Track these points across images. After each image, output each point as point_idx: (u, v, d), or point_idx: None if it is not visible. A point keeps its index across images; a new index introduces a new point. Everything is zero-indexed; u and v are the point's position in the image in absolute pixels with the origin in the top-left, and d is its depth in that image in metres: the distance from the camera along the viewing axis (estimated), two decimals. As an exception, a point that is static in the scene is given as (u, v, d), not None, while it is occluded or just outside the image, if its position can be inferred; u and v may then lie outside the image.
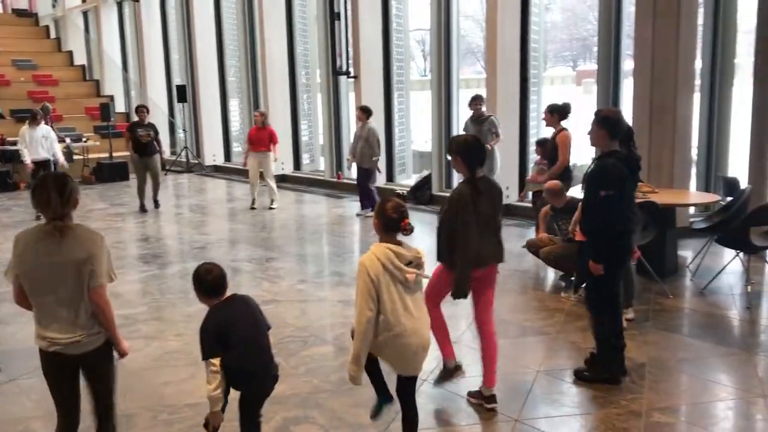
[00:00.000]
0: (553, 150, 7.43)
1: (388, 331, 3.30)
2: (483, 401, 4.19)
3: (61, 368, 3.14)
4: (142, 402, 4.27)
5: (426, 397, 4.32)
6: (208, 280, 3.23)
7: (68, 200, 3.00)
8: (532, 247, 6.79)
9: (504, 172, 9.36)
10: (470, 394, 4.29)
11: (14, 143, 14.66)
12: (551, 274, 6.99)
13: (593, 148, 4.64)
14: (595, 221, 4.29)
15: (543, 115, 7.63)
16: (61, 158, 11.41)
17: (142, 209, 11.22)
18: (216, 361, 3.11)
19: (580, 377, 4.48)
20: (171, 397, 4.37)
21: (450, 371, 4.34)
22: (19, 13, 22.55)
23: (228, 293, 3.32)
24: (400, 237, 3.39)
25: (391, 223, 3.33)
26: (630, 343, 5.00)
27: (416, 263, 3.35)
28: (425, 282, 3.59)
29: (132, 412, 4.12)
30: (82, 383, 3.22)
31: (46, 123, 11.95)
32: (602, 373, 4.43)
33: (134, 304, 6.24)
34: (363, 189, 10.33)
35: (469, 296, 4.10)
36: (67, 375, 3.18)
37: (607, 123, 4.23)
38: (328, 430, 3.94)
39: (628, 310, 5.54)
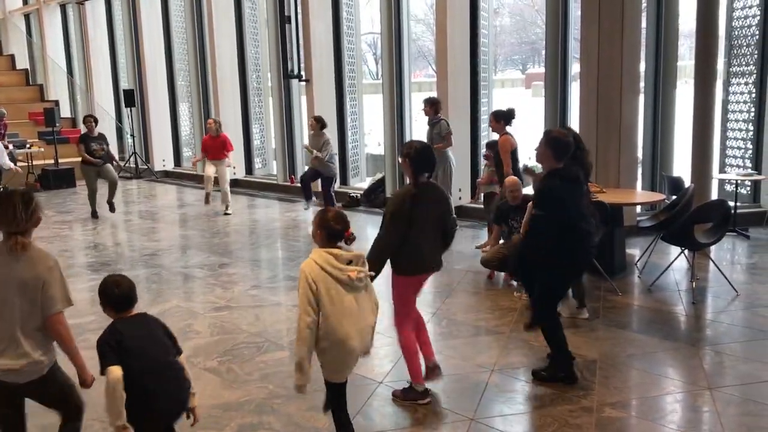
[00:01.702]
0: (498, 155, 7.55)
1: (330, 335, 3.30)
2: (418, 398, 4.23)
3: (2, 392, 3.03)
4: (93, 413, 4.15)
5: (382, 399, 4.33)
6: (116, 294, 3.00)
7: (32, 216, 2.94)
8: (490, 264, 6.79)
9: (456, 174, 9.43)
10: (401, 393, 4.32)
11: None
12: (502, 274, 7.06)
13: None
14: (530, 235, 4.51)
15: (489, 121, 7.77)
16: (11, 165, 11.25)
17: (94, 215, 10.97)
18: (114, 369, 2.83)
19: (537, 377, 4.55)
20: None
21: (417, 392, 4.27)
22: (-43, 16, 21.80)
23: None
24: (341, 245, 3.42)
25: (334, 234, 3.36)
26: (581, 340, 5.13)
27: (357, 262, 3.36)
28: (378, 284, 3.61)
29: (85, 424, 4.01)
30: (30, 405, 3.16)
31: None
32: (558, 372, 4.51)
33: (83, 313, 6.08)
34: (326, 194, 10.48)
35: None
36: (10, 400, 3.07)
37: (554, 144, 4.33)
38: (284, 436, 3.92)
39: (582, 309, 5.66)
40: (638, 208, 8.66)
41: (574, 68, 9.39)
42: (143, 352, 2.92)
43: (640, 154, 8.80)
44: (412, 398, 4.25)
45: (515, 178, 6.72)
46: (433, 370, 4.38)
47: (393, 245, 4.02)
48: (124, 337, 2.91)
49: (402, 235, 4.00)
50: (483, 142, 9.94)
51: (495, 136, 7.88)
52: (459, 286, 6.71)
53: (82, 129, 11.63)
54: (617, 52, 7.97)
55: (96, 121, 11.17)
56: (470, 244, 8.39)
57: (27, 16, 20.49)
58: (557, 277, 4.45)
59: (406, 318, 4.26)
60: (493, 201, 7.95)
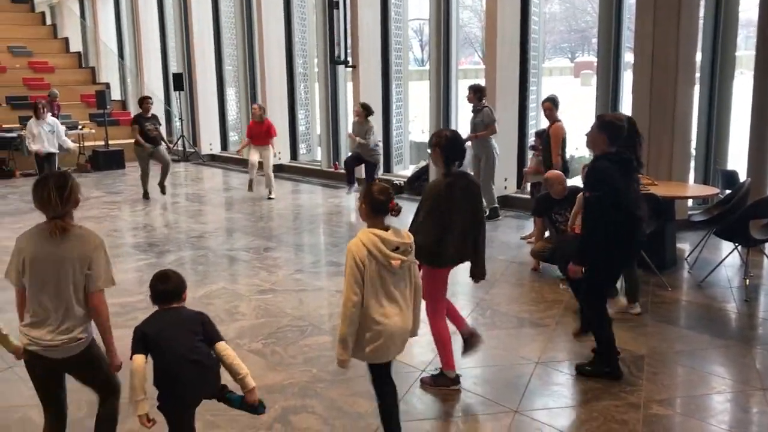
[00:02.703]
0: (548, 144, 7.45)
1: (370, 317, 3.28)
2: (449, 384, 4.22)
3: (44, 369, 3.11)
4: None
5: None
6: (160, 289, 3.12)
7: (68, 199, 2.98)
8: (539, 254, 6.72)
9: (502, 163, 9.33)
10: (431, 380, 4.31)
11: (10, 130, 14.64)
12: (548, 266, 6.97)
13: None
14: (587, 220, 4.33)
15: (543, 107, 7.65)
16: (71, 145, 11.65)
17: (145, 196, 11.17)
18: (137, 358, 2.93)
19: (581, 372, 4.48)
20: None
21: (448, 379, 4.26)
22: (15, -1, 22.37)
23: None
24: (389, 220, 3.38)
25: (378, 206, 3.32)
26: (628, 335, 5.03)
27: (404, 249, 3.33)
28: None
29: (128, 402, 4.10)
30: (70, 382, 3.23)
31: (52, 111, 11.96)
32: (603, 368, 4.43)
33: (131, 292, 6.22)
34: (347, 168, 10.55)
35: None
36: (50, 376, 3.15)
37: (608, 128, 4.22)
38: (326, 420, 3.93)
39: (635, 305, 5.54)
40: (690, 202, 8.44)
41: (627, 57, 9.18)
42: (169, 346, 2.98)
43: (693, 146, 8.57)
44: (442, 384, 4.23)
45: (558, 172, 6.61)
46: (471, 336, 4.37)
47: (425, 237, 3.96)
48: (155, 330, 3.00)
49: (434, 227, 3.95)
50: (531, 131, 9.81)
51: (544, 125, 7.79)
52: (503, 276, 6.64)
53: (132, 112, 11.85)
54: (673, 41, 7.74)
55: (151, 102, 11.37)
56: (515, 234, 8.29)
57: (81, 0, 20.92)
58: (607, 265, 4.34)
59: (438, 308, 4.23)
60: (538, 190, 7.87)
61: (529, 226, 8.43)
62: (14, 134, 14.30)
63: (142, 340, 2.98)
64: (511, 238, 8.11)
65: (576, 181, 6.88)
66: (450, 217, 4.01)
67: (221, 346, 3.10)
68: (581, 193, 5.95)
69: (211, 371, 3.10)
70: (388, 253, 3.26)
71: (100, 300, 3.04)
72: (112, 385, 3.29)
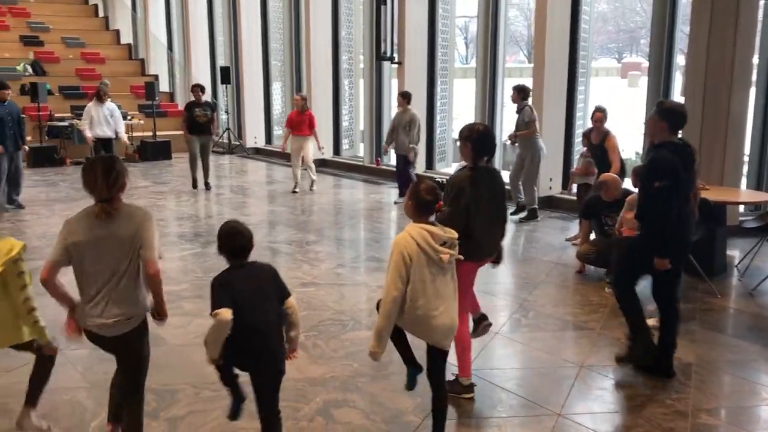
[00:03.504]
0: (596, 147, 7.35)
1: (417, 310, 3.27)
2: (461, 392, 4.13)
3: (104, 346, 3.22)
4: (185, 378, 4.32)
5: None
6: (234, 241, 3.11)
7: (114, 183, 3.03)
8: (584, 257, 6.63)
9: (548, 163, 9.22)
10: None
11: (62, 119, 15.01)
12: (592, 268, 6.87)
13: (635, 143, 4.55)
14: (650, 213, 4.19)
15: (594, 118, 7.56)
16: (124, 136, 11.82)
17: (194, 185, 11.32)
18: (224, 312, 2.92)
19: (622, 361, 4.44)
20: (213, 374, 4.37)
21: (462, 386, 4.17)
22: (69, -9, 22.93)
23: None
24: (434, 222, 3.38)
25: (424, 205, 3.32)
26: (677, 341, 4.90)
27: (450, 243, 3.32)
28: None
29: (176, 388, 4.17)
30: None
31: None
32: (640, 351, 4.38)
33: (177, 281, 6.32)
34: (402, 176, 10.25)
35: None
36: (110, 350, 3.25)
37: (669, 115, 4.12)
38: (368, 415, 3.94)
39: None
40: (741, 208, 8.22)
41: (679, 59, 8.99)
42: (248, 308, 3.02)
43: (747, 151, 8.34)
44: (456, 392, 4.10)
45: (615, 175, 6.50)
46: (480, 322, 4.29)
47: (456, 230, 3.92)
48: (234, 288, 3.02)
49: (464, 221, 3.89)
50: (578, 131, 9.68)
51: (590, 124, 7.69)
52: (547, 278, 6.56)
53: (180, 104, 11.99)
54: (729, 43, 7.54)
55: (203, 90, 11.48)
56: (559, 235, 8.19)
57: (133, -7, 21.33)
58: (650, 258, 4.24)
59: (461, 307, 4.14)
60: (585, 192, 7.76)
61: (574, 227, 8.32)
62: (66, 123, 14.66)
63: (227, 293, 2.98)
64: (554, 240, 8.01)
65: (627, 183, 6.77)
66: (475, 211, 3.92)
67: (291, 301, 3.18)
68: (630, 196, 5.87)
69: (281, 348, 3.18)
70: (438, 248, 3.26)
71: (154, 266, 3.04)
72: (139, 380, 3.30)
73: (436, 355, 3.48)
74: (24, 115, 10.64)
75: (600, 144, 7.46)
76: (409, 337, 3.53)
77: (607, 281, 6.29)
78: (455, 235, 3.38)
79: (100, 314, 3.07)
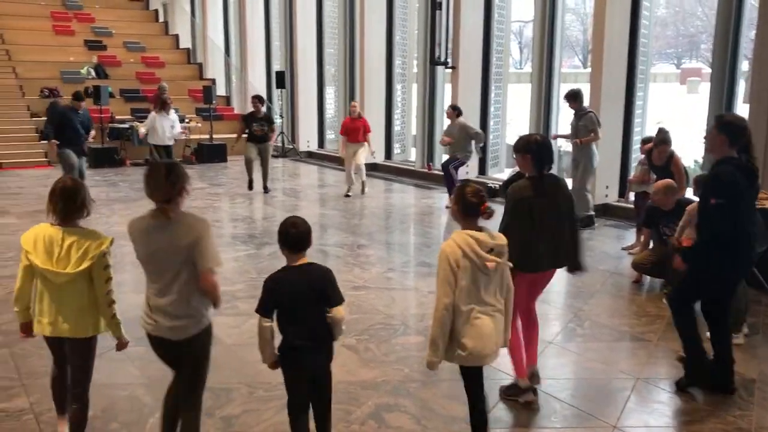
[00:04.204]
0: (663, 172, 7.12)
1: (463, 320, 3.25)
2: (519, 395, 4.08)
3: (164, 350, 3.27)
4: (240, 378, 4.38)
5: (519, 395, 4.24)
6: (291, 234, 3.18)
7: (173, 185, 3.10)
8: (641, 267, 6.49)
9: (605, 170, 9.05)
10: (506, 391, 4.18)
11: (122, 121, 15.46)
12: (650, 278, 6.71)
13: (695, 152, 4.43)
14: (704, 228, 4.09)
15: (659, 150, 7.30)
16: (178, 136, 12.08)
17: (250, 186, 11.44)
18: (264, 321, 3.10)
19: (681, 388, 4.30)
20: (266, 374, 4.41)
21: (519, 388, 4.12)
22: (132, -3, 23.64)
23: None
24: (484, 227, 3.35)
25: (470, 208, 3.29)
26: (738, 357, 4.74)
27: (498, 251, 3.28)
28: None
29: (230, 387, 4.24)
30: None
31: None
32: (691, 372, 4.25)
33: (232, 281, 6.42)
34: (447, 172, 10.20)
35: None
36: (171, 356, 3.30)
37: (728, 129, 4.00)
38: (419, 420, 3.93)
39: (738, 334, 5.08)
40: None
41: (743, 64, 8.71)
42: (293, 310, 3.13)
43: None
44: (513, 394, 4.10)
45: (670, 181, 6.34)
46: (532, 378, 4.14)
47: (514, 241, 3.87)
48: (282, 290, 3.13)
49: (523, 231, 3.85)
50: (636, 138, 9.47)
51: (649, 131, 7.50)
52: (603, 287, 6.44)
53: (236, 108, 12.17)
54: (798, 48, 7.27)
55: (262, 101, 11.54)
56: (615, 244, 8.03)
57: (192, -1, 21.85)
58: (712, 279, 4.12)
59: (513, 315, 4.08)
60: (643, 200, 7.59)
61: (630, 236, 8.15)
62: (126, 125, 15.09)
63: (272, 299, 3.12)
64: (610, 248, 7.86)
65: (689, 192, 6.60)
66: (539, 221, 3.87)
67: (338, 309, 3.20)
68: (690, 206, 5.71)
69: (326, 349, 3.26)
70: (484, 255, 3.23)
71: (210, 278, 3.14)
72: (199, 386, 3.34)
73: (472, 370, 3.43)
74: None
75: (664, 166, 7.19)
76: None
77: (664, 292, 6.14)
78: (504, 241, 3.34)
79: (163, 318, 3.15)
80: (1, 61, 16.96)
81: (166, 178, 3.10)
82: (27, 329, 3.40)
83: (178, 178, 3.14)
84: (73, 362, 3.42)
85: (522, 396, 4.08)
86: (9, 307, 5.51)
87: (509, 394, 4.14)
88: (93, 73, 17.57)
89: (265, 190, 11.53)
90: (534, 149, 3.93)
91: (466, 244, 3.23)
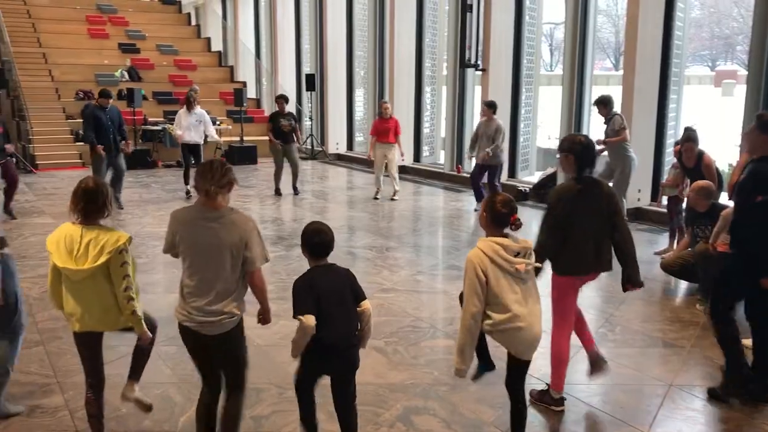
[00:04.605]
0: (696, 174, 7.01)
1: (502, 324, 3.25)
2: (551, 404, 4.06)
3: (196, 344, 3.32)
4: (270, 378, 4.41)
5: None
6: (315, 241, 3.24)
7: (222, 177, 3.20)
8: (669, 269, 6.41)
9: (637, 174, 8.92)
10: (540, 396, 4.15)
11: (155, 123, 15.67)
12: (684, 284, 6.61)
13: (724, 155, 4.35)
14: (750, 228, 4.00)
15: (684, 148, 7.21)
16: (216, 135, 12.17)
17: (277, 193, 11.57)
18: (308, 318, 3.09)
19: (713, 396, 4.22)
20: (295, 375, 4.49)
21: (552, 398, 4.09)
22: (165, 1, 23.94)
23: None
24: (508, 232, 3.35)
25: (499, 218, 3.30)
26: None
27: (524, 253, 3.28)
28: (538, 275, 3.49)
29: (260, 387, 4.27)
30: None
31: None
32: (730, 386, 4.15)
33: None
34: (478, 185, 10.15)
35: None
36: (203, 350, 3.34)
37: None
38: (449, 424, 3.91)
39: None
40: None
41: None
42: (329, 309, 3.15)
43: None
44: (546, 402, 4.07)
45: (708, 182, 6.24)
46: (598, 362, 4.16)
47: (554, 245, 3.85)
48: (316, 289, 3.16)
49: (563, 235, 3.82)
50: (669, 141, 9.34)
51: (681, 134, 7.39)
52: (635, 292, 6.26)
53: (267, 110, 12.26)
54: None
55: (287, 100, 11.78)
56: (647, 248, 7.91)
57: (224, 2, 22.09)
58: (747, 274, 4.03)
59: (563, 322, 4.03)
60: (677, 204, 7.49)
61: (663, 241, 8.04)
62: (159, 127, 15.29)
63: (310, 297, 3.13)
64: (642, 253, 7.68)
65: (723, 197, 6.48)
66: (581, 224, 3.85)
67: (366, 303, 3.28)
68: (725, 211, 5.61)
69: (355, 349, 3.30)
70: (512, 259, 3.23)
71: (258, 277, 3.30)
72: (243, 376, 3.42)
73: (518, 366, 3.43)
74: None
75: (695, 167, 7.10)
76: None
77: (698, 298, 6.04)
78: (530, 244, 3.35)
79: (202, 311, 3.19)
80: (38, 64, 17.31)
81: (218, 169, 3.22)
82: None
83: (228, 171, 3.26)
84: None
85: (554, 405, 4.06)
86: (45, 306, 5.66)
87: (543, 400, 4.11)
88: (126, 75, 17.85)
89: (295, 191, 11.61)
90: (577, 150, 3.91)
91: (491, 250, 3.23)
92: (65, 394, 4.21)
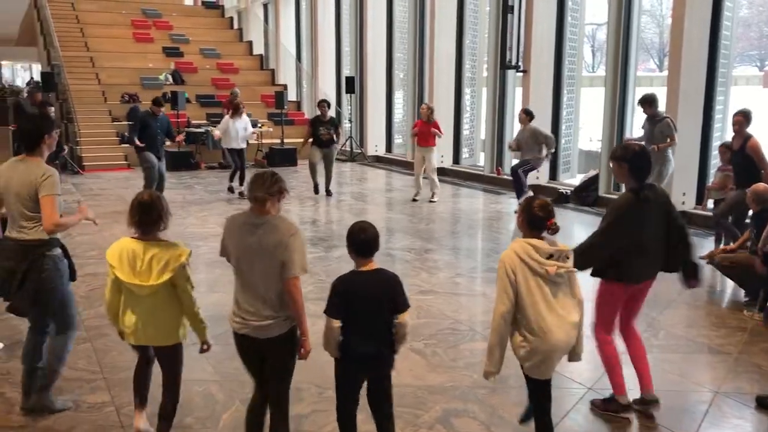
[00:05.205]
0: (742, 158, 6.85)
1: (528, 326, 3.22)
2: (644, 407, 3.97)
3: (250, 348, 3.34)
4: (310, 378, 4.42)
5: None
6: (360, 239, 3.20)
7: (272, 185, 3.25)
8: (721, 267, 6.27)
9: (682, 177, 8.77)
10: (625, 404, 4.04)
11: (198, 126, 15.92)
12: (730, 289, 6.46)
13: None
14: None
15: (733, 120, 7.07)
16: (251, 138, 12.25)
17: (316, 190, 11.58)
18: (334, 322, 3.12)
19: (761, 404, 4.10)
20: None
21: (619, 405, 4.00)
22: (208, 5, 24.36)
23: None
24: (545, 236, 3.32)
25: (536, 221, 3.27)
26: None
27: (558, 256, 3.23)
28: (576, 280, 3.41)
29: (301, 387, 4.29)
30: None
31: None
32: None
33: (302, 283, 6.50)
34: (516, 176, 10.10)
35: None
36: (257, 355, 3.36)
37: None
38: (488, 427, 3.89)
39: None
40: None
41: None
42: (361, 314, 3.15)
43: None
44: (613, 410, 3.99)
45: (764, 187, 6.07)
46: (649, 403, 3.99)
47: (604, 253, 3.80)
48: (351, 292, 3.16)
49: (618, 244, 3.77)
50: (716, 143, 9.13)
51: (730, 137, 7.22)
52: (679, 297, 6.22)
53: (306, 113, 12.31)
54: None
55: (329, 105, 11.71)
56: (692, 253, 7.75)
57: (265, 6, 22.37)
58: None
59: (605, 325, 3.99)
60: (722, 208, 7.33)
61: (707, 244, 7.86)
62: (202, 129, 15.53)
63: (341, 301, 3.14)
64: (687, 257, 7.59)
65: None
66: (641, 234, 3.79)
67: (403, 316, 3.21)
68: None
69: (388, 353, 3.26)
70: (542, 260, 3.21)
71: (294, 285, 3.20)
72: (287, 383, 3.41)
73: (540, 382, 3.39)
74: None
75: (740, 150, 6.93)
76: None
77: (746, 303, 5.90)
78: (566, 248, 3.30)
79: (252, 316, 3.23)
80: (85, 68, 17.74)
81: (270, 177, 3.27)
82: (123, 336, 3.58)
83: (278, 179, 3.30)
84: (162, 366, 3.60)
85: (622, 412, 3.98)
86: (92, 303, 5.80)
87: (609, 409, 4.03)
88: (170, 79, 18.17)
89: (328, 193, 11.65)
90: (630, 159, 3.85)
91: (523, 251, 3.23)
92: (111, 391, 4.31)
